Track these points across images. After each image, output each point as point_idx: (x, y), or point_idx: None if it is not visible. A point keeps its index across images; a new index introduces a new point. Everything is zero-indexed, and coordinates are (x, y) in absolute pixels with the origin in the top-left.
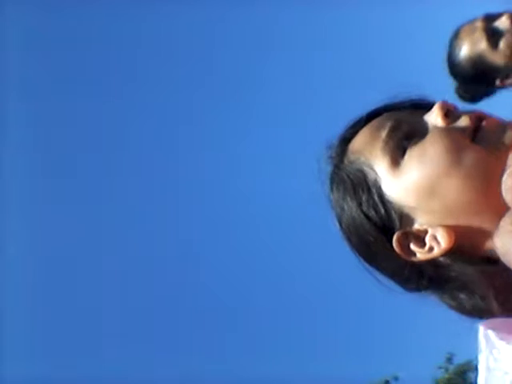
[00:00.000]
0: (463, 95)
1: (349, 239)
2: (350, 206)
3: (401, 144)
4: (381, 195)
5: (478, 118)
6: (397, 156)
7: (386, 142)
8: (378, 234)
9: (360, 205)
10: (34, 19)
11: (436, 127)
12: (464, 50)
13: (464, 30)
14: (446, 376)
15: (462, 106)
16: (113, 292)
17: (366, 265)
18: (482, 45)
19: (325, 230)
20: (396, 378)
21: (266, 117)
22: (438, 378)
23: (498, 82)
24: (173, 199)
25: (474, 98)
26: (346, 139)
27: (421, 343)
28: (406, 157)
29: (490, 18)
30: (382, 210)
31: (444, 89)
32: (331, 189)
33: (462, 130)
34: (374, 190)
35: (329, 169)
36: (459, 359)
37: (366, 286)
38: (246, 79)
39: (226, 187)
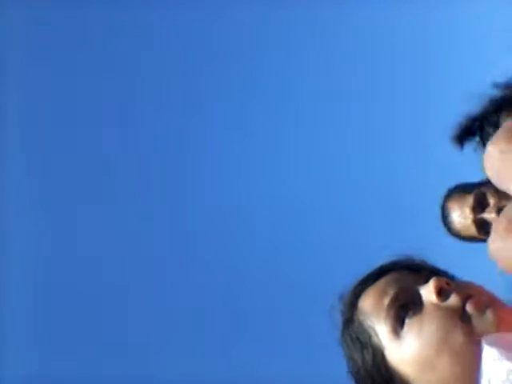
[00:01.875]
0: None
1: (354, 377)
2: (357, 362)
3: (400, 315)
4: (384, 360)
5: (465, 299)
6: (397, 327)
7: (388, 312)
8: None
9: (366, 364)
10: (34, 19)
11: (431, 303)
12: (456, 228)
13: (454, 208)
14: None
15: None
16: (113, 291)
17: None
18: (473, 231)
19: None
20: None
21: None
22: None
23: None
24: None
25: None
26: (356, 295)
27: None
28: (406, 329)
29: (479, 206)
30: (385, 374)
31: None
32: (342, 334)
33: (453, 309)
34: (378, 354)
35: (340, 318)
36: None
37: None
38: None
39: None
